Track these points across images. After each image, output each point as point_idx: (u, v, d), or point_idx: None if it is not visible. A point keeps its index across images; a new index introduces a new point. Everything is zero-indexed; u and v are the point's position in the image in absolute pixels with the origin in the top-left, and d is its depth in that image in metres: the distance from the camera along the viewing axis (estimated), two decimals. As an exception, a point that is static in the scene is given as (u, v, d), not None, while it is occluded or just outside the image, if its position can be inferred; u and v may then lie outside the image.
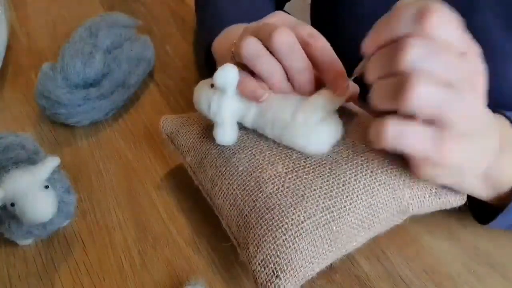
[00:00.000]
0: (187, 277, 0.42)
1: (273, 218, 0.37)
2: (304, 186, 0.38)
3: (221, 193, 0.41)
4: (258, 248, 0.37)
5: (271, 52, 0.38)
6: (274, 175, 0.39)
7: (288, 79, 0.40)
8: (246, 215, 0.39)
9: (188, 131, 0.46)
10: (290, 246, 0.36)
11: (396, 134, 0.31)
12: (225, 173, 0.41)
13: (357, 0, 0.56)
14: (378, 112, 0.32)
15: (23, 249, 0.45)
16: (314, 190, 0.38)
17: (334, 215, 0.37)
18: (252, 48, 0.38)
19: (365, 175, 0.38)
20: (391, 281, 0.41)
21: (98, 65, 0.57)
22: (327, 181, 0.38)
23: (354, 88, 0.41)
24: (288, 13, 0.51)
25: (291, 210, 0.37)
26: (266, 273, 0.36)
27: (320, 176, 0.39)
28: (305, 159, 0.40)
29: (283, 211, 0.37)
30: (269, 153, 0.41)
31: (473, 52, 0.31)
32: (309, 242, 0.36)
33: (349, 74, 0.38)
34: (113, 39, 0.62)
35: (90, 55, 0.57)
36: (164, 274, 0.42)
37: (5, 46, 0.69)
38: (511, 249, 0.43)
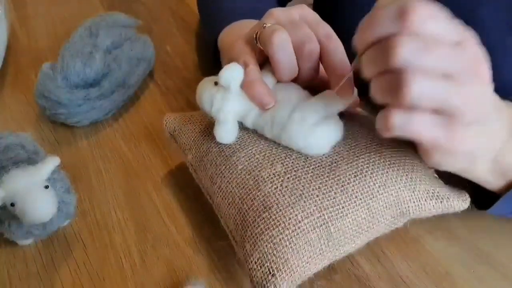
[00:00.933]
0: (187, 277, 0.42)
1: (271, 217, 0.37)
2: (303, 186, 0.38)
3: (220, 191, 0.41)
4: (254, 247, 0.37)
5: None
6: (273, 174, 0.39)
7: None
8: (244, 213, 0.38)
9: (190, 129, 0.46)
10: (287, 245, 0.36)
11: (403, 121, 0.30)
12: (225, 171, 0.41)
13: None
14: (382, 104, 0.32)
15: (23, 249, 0.45)
16: (313, 190, 0.38)
17: (332, 216, 0.37)
18: (285, 38, 0.39)
19: (365, 176, 0.38)
20: (391, 281, 0.41)
21: (98, 65, 0.57)
22: (326, 181, 0.38)
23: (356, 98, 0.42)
24: None
25: (289, 210, 0.37)
26: (262, 272, 0.36)
27: (319, 177, 0.39)
28: (305, 159, 0.40)
29: (280, 210, 0.37)
30: (268, 153, 0.41)
31: (469, 40, 0.31)
32: (306, 242, 0.36)
33: None
34: (113, 39, 0.62)
35: (90, 55, 0.57)
36: (164, 274, 0.42)
37: (5, 46, 0.70)
38: (511, 249, 0.43)
